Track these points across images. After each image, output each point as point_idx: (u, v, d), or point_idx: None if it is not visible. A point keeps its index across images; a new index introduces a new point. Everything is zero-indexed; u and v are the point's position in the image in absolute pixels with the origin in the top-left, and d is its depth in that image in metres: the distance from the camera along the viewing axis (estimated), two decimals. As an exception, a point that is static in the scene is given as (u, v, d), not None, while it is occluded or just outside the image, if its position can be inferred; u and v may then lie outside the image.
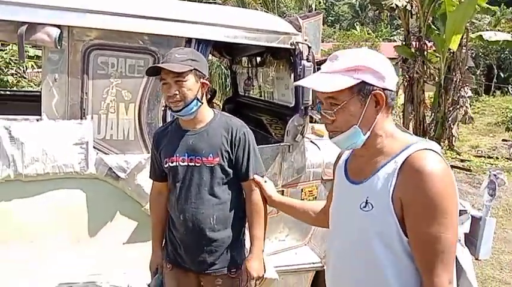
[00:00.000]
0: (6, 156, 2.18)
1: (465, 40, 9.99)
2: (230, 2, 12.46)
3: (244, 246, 2.07)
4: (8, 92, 4.82)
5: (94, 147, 2.30)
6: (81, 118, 2.29)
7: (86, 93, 2.28)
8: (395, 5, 9.48)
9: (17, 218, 2.26)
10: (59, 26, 2.20)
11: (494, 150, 10.56)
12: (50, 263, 2.31)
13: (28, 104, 3.63)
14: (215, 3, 12.19)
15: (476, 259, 3.27)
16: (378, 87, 1.27)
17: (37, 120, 2.26)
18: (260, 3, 13.20)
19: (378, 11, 12.27)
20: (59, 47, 2.20)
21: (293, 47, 2.68)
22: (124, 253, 2.42)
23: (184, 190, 1.96)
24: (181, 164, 1.95)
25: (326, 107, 1.31)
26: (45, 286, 2.30)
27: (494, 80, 19.36)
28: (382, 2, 9.73)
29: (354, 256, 1.36)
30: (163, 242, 2.13)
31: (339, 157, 1.56)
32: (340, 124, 1.30)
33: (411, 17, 10.27)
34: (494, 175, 3.15)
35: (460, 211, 3.17)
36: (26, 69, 8.48)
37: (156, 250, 2.14)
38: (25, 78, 8.48)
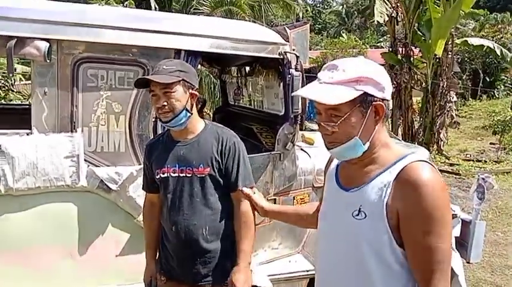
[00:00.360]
0: (-4, 171, 2.17)
1: (450, 46, 10.14)
2: (217, 11, 12.50)
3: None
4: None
5: (85, 160, 2.30)
6: (72, 131, 2.28)
7: (76, 106, 2.28)
8: (377, 21, 9.63)
9: (8, 232, 2.24)
10: (47, 40, 2.20)
11: (482, 153, 10.70)
12: (43, 276, 2.29)
13: (18, 117, 3.61)
14: (202, 13, 12.22)
15: (468, 262, 3.30)
16: (378, 98, 1.27)
17: (27, 134, 2.25)
18: (248, 13, 13.26)
19: (363, 19, 12.43)
20: (48, 61, 2.20)
21: (281, 56, 2.70)
22: (117, 265, 2.41)
23: (176, 201, 1.96)
24: (172, 175, 1.96)
25: (326, 118, 1.29)
26: (37, 300, 2.29)
27: (481, 84, 19.63)
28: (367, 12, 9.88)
29: (342, 262, 1.37)
30: (157, 254, 2.13)
31: (329, 162, 1.57)
32: (340, 135, 1.29)
33: (397, 24, 10.42)
34: (483, 179, 3.20)
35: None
36: (14, 82, 8.43)
37: (149, 262, 2.13)
38: (13, 91, 8.42)
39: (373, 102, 1.27)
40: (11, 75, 2.07)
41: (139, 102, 2.39)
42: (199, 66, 3.35)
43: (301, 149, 3.18)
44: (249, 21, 10.78)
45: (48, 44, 2.19)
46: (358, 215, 1.29)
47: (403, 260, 1.26)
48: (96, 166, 2.33)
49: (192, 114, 1.95)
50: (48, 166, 2.23)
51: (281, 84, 2.98)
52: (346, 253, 1.35)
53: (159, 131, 2.37)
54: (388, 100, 1.30)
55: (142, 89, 2.17)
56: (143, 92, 2.36)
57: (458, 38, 11.69)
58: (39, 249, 2.30)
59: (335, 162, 1.51)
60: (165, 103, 1.86)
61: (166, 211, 1.99)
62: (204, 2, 12.47)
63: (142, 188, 2.17)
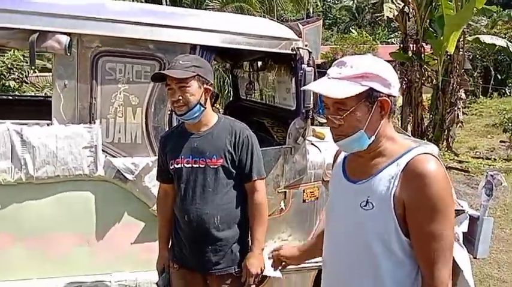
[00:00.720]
0: (18, 159, 2.26)
1: (462, 43, 10.08)
2: (228, 6, 12.51)
3: (248, 245, 2.14)
4: (10, 97, 4.89)
5: (103, 150, 2.38)
6: (90, 122, 2.37)
7: (94, 98, 2.36)
8: (387, 17, 9.59)
9: (29, 218, 2.33)
10: (68, 34, 2.28)
11: (492, 151, 10.64)
12: (61, 261, 2.38)
13: (33, 108, 3.71)
14: (213, 8, 12.25)
15: (475, 258, 3.34)
16: (384, 94, 1.32)
17: (47, 124, 2.33)
18: (258, 8, 13.26)
19: (374, 14, 12.38)
20: (68, 54, 2.28)
21: (294, 52, 2.75)
22: (132, 253, 2.50)
23: (189, 191, 2.03)
24: (186, 165, 2.03)
25: (333, 112, 1.35)
26: (56, 283, 2.38)
27: (492, 82, 19.47)
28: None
29: (350, 251, 1.42)
30: (170, 242, 2.21)
31: (336, 156, 1.62)
32: (346, 128, 1.34)
33: (408, 20, 10.36)
34: (491, 176, 3.23)
35: (458, 210, 3.25)
36: (28, 73, 8.57)
37: (162, 250, 2.21)
38: (27, 83, 8.56)
39: (379, 98, 1.32)
40: (33, 67, 2.16)
41: (156, 95, 2.46)
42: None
43: (312, 144, 3.23)
44: (260, 16, 10.81)
45: (69, 38, 2.27)
46: (366, 205, 1.35)
47: (408, 249, 1.32)
48: (113, 157, 2.41)
49: (205, 108, 2.02)
50: (68, 155, 2.32)
51: (293, 79, 3.04)
52: (354, 243, 1.40)
53: (174, 124, 2.44)
54: (394, 96, 1.36)
55: (159, 83, 2.24)
56: (159, 86, 2.43)
57: (470, 35, 11.61)
58: (58, 235, 2.39)
59: (341, 156, 1.56)
60: (180, 97, 1.93)
61: (180, 201, 2.06)
62: (215, -1, 12.50)
63: (156, 179, 2.24)
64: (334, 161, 1.62)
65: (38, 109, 3.55)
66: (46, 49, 2.27)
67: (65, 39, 2.25)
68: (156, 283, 2.20)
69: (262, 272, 2.08)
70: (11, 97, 4.83)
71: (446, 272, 1.29)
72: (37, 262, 2.38)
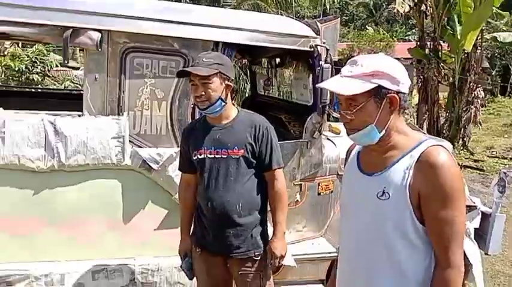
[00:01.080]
0: (51, 148, 2.41)
1: (480, 41, 10.01)
2: (245, 3, 12.60)
3: (267, 230, 2.26)
4: (39, 90, 5.09)
5: (130, 141, 2.52)
6: (119, 114, 2.51)
7: (123, 91, 2.50)
8: (397, 10, 9.58)
9: (60, 204, 2.48)
10: (99, 31, 2.42)
11: (509, 151, 10.55)
12: (89, 244, 2.54)
13: (56, 101, 3.90)
14: (230, 5, 12.36)
15: (486, 254, 3.39)
16: (392, 90, 1.42)
17: (79, 115, 2.48)
18: (275, 3, 13.30)
19: (393, 11, 12.31)
20: (99, 50, 2.42)
21: (312, 49, 2.85)
22: (155, 238, 2.64)
23: (212, 180, 2.15)
24: (209, 156, 2.16)
25: (345, 107, 1.46)
26: (83, 265, 2.53)
27: (510, 81, 19.20)
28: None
29: (368, 239, 1.51)
30: (192, 228, 2.33)
31: (349, 152, 1.72)
32: (357, 123, 1.44)
33: (426, 18, 10.32)
34: (505, 173, 3.28)
35: (470, 206, 3.31)
36: (51, 68, 8.82)
37: (184, 236, 2.34)
38: (49, 76, 8.81)
39: (388, 95, 1.42)
40: (66, 62, 2.29)
41: (180, 90, 2.60)
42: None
43: (328, 138, 3.33)
44: (276, 13, 10.87)
45: (100, 34, 2.41)
46: (382, 195, 1.44)
47: (423, 235, 1.42)
48: (139, 147, 2.55)
49: (226, 103, 2.14)
50: (97, 145, 2.46)
51: (310, 75, 3.14)
52: (371, 231, 1.49)
53: (197, 117, 2.57)
54: (404, 93, 1.45)
55: (183, 78, 2.37)
56: (183, 81, 2.55)
57: (489, 33, 11.50)
58: (86, 220, 2.54)
59: (354, 151, 1.65)
60: (203, 93, 2.06)
61: (203, 189, 2.19)
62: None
63: (179, 169, 2.37)
64: (348, 157, 1.71)
65: (61, 102, 3.74)
66: (79, 45, 2.41)
67: (96, 35, 2.39)
68: (180, 266, 2.33)
69: (285, 254, 2.22)
70: (40, 89, 5.02)
71: (459, 255, 1.39)
72: (66, 245, 2.53)
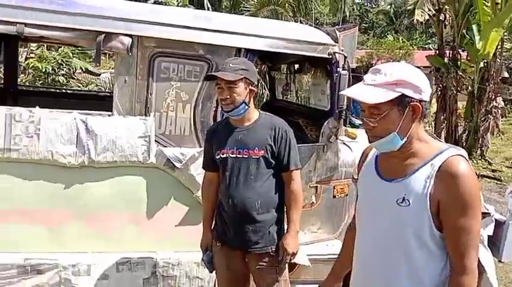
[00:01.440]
0: (82, 145, 2.56)
1: (500, 50, 9.96)
2: (264, 10, 12.76)
3: (283, 228, 2.37)
4: (58, 91, 5.29)
5: (155, 140, 2.66)
6: (145, 115, 2.66)
7: (150, 93, 2.65)
8: (417, 19, 9.61)
9: (88, 198, 2.63)
10: (130, 36, 2.57)
11: (528, 162, 10.43)
12: (113, 237, 2.68)
13: (81, 102, 4.09)
14: (249, 11, 12.52)
15: (500, 261, 3.42)
16: (415, 99, 1.43)
17: (108, 115, 2.64)
18: (292, 10, 13.40)
19: (413, 19, 12.32)
20: (130, 54, 2.57)
21: (330, 56, 2.96)
22: (176, 234, 2.77)
23: (233, 178, 2.28)
24: (231, 156, 2.28)
25: (368, 115, 1.48)
26: (108, 257, 2.67)
27: (532, 91, 18.91)
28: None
29: (387, 245, 1.55)
30: (213, 224, 2.46)
31: (365, 154, 1.75)
32: (380, 130, 1.46)
33: (445, 27, 10.32)
34: (519, 182, 3.32)
35: (484, 213, 3.36)
36: (75, 70, 9.10)
37: (206, 231, 2.46)
38: (74, 78, 9.09)
39: (410, 103, 1.43)
40: (97, 65, 2.45)
41: (203, 93, 2.74)
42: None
43: (344, 143, 3.42)
44: (295, 20, 10.99)
45: (131, 40, 2.56)
46: (402, 202, 1.48)
47: (439, 241, 1.47)
48: (164, 146, 2.69)
49: (249, 106, 2.27)
50: (125, 143, 2.61)
51: (328, 82, 3.25)
52: (391, 237, 1.51)
53: (218, 119, 2.70)
54: (425, 101, 1.49)
55: (209, 81, 2.50)
56: (207, 85, 2.69)
57: (510, 43, 11.42)
58: (112, 214, 2.68)
59: (371, 155, 1.69)
60: (228, 96, 2.19)
61: (225, 187, 2.32)
62: (251, 1, 12.80)
63: (203, 167, 2.50)
64: (363, 160, 1.75)
65: (86, 103, 3.93)
66: (111, 49, 2.57)
67: (127, 40, 2.55)
68: (202, 259, 2.46)
69: (297, 252, 2.31)
70: (69, 91, 5.23)
71: (474, 261, 1.44)
72: (93, 237, 2.68)
